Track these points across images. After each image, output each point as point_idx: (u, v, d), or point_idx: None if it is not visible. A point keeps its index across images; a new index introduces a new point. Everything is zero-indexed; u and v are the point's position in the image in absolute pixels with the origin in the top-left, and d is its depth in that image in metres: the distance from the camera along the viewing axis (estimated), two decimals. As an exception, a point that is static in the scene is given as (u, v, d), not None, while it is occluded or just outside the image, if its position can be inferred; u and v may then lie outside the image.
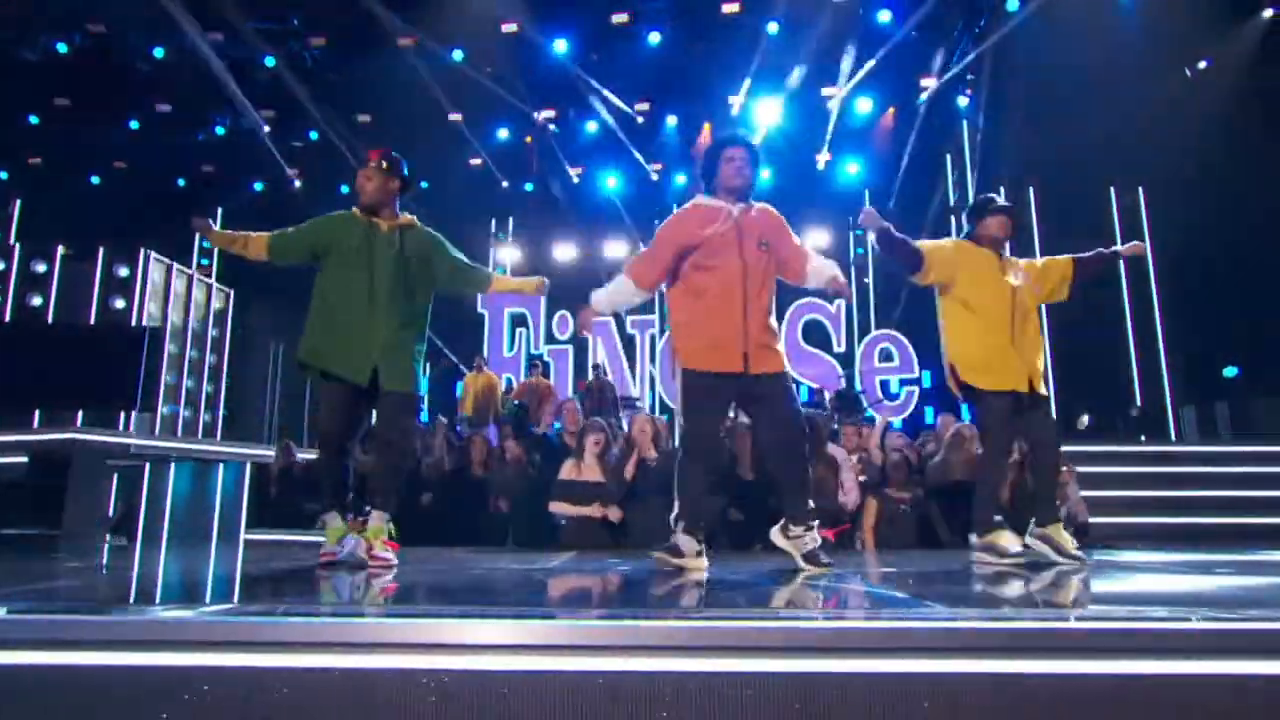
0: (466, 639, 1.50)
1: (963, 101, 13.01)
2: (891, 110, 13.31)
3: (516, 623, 1.56)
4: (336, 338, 3.27)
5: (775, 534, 3.21)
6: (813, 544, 3.12)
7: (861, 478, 4.98)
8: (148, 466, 6.11)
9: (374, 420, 3.56)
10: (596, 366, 10.77)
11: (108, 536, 5.94)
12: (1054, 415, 3.85)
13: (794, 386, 3.34)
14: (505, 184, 14.20)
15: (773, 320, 3.26)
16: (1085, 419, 9.90)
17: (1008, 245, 3.79)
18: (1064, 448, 6.85)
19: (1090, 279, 3.87)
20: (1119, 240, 10.71)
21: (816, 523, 3.18)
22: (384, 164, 3.42)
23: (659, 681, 1.43)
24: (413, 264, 3.39)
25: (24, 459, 5.46)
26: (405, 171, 3.50)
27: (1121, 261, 4.07)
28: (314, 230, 3.42)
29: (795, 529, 3.14)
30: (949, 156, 13.65)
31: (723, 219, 3.22)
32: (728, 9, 11.62)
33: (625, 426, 5.98)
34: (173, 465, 6.11)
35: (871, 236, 3.83)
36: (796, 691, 1.41)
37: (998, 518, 3.57)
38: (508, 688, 1.43)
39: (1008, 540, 3.46)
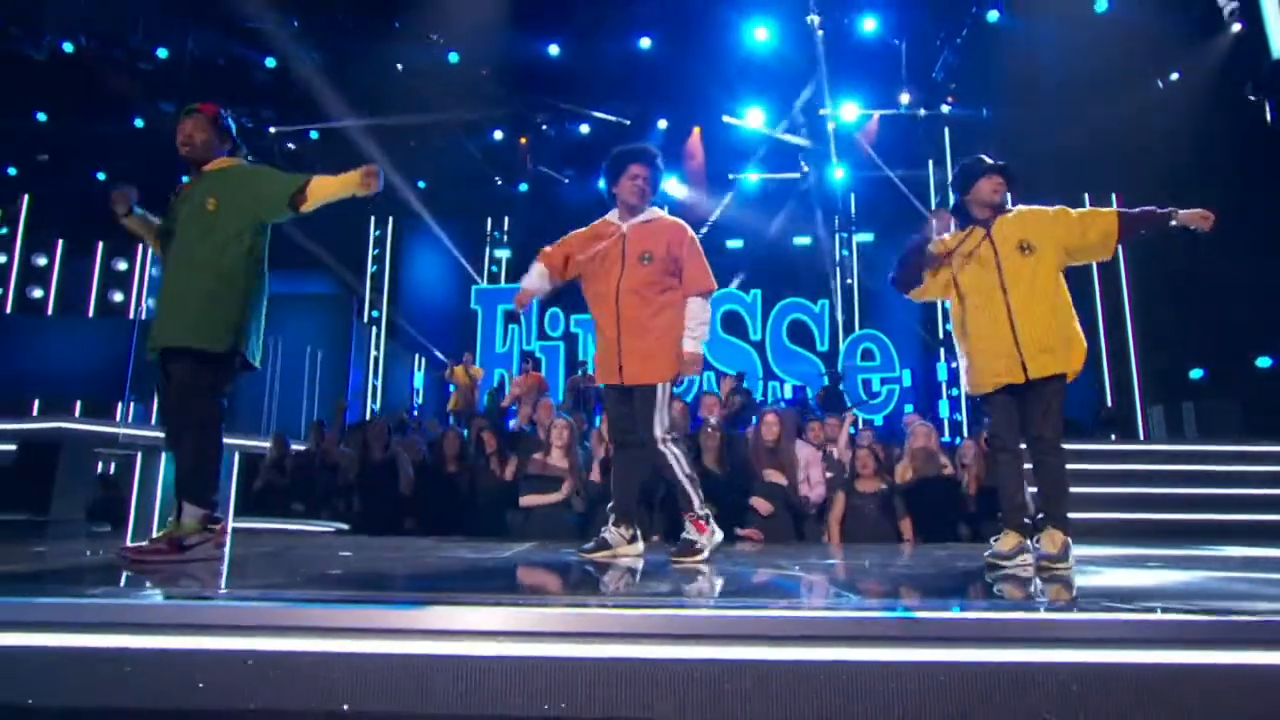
0: (390, 624, 1.49)
1: (945, 109, 12.98)
2: (876, 116, 13.29)
3: (427, 609, 1.55)
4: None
5: (610, 532, 3.22)
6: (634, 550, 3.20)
7: (829, 474, 4.94)
8: (139, 455, 6.06)
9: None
10: (582, 363, 10.75)
11: (106, 524, 5.90)
12: (1051, 403, 3.07)
13: (655, 400, 3.12)
14: (499, 181, 14.17)
15: (660, 327, 3.11)
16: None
17: (1008, 199, 3.24)
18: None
19: (1135, 238, 3.27)
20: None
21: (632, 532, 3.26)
22: (219, 120, 3.05)
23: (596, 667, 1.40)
24: (208, 208, 2.87)
25: (13, 447, 5.40)
26: (234, 133, 3.13)
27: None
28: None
29: (615, 529, 3.22)
30: (931, 162, 13.65)
31: (609, 235, 3.24)
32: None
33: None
34: (164, 455, 6.05)
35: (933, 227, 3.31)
36: (729, 675, 1.40)
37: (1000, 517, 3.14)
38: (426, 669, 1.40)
39: (1005, 543, 3.06)
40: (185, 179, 3.07)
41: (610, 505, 3.29)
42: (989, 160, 3.28)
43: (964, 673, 1.37)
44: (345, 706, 1.42)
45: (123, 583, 2.33)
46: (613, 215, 3.34)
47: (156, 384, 2.96)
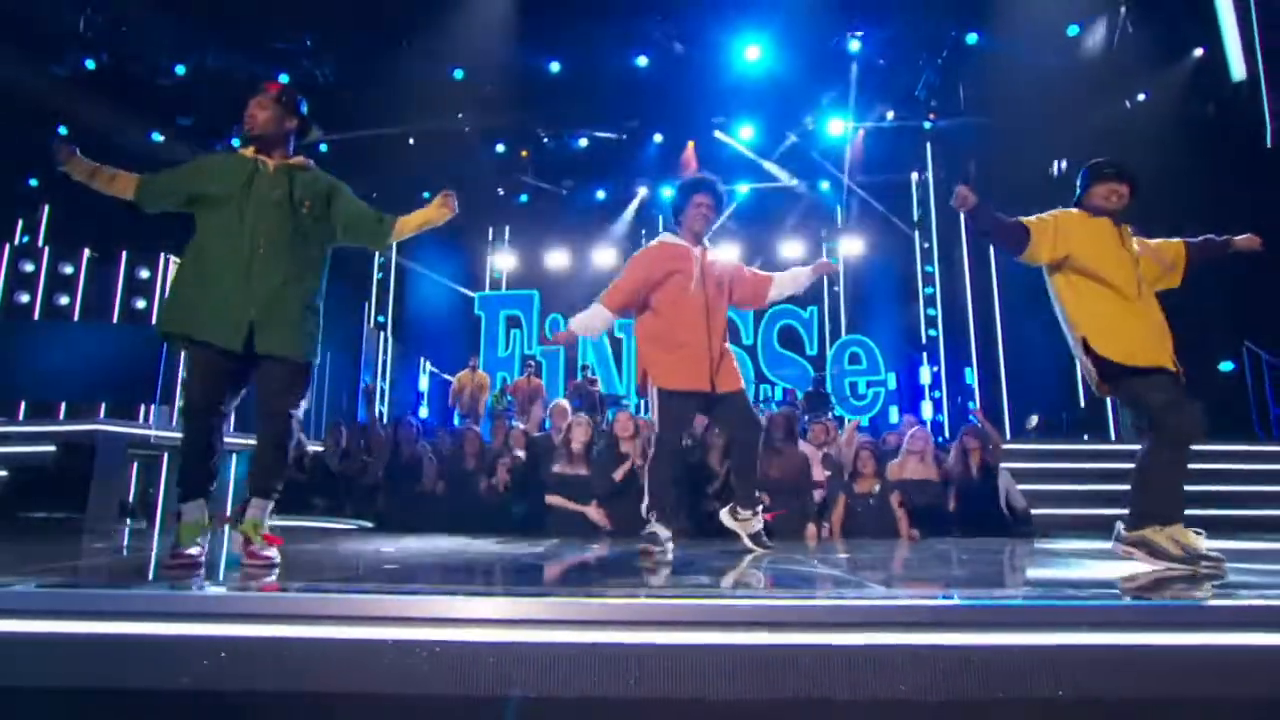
0: (460, 613, 1.58)
1: (926, 125, 13.16)
2: (861, 132, 13.45)
3: (504, 599, 1.65)
4: (207, 296, 2.63)
5: (724, 515, 3.41)
6: (758, 526, 3.33)
7: (826, 473, 5.06)
8: (166, 455, 6.12)
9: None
10: (585, 367, 10.84)
11: (128, 520, 5.95)
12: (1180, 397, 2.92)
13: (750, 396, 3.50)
14: (501, 192, 14.23)
15: (729, 346, 3.48)
16: (1034, 419, 10.02)
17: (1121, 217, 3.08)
18: (1014, 446, 7.02)
19: (1198, 267, 3.19)
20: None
21: (760, 508, 3.38)
22: (282, 97, 2.87)
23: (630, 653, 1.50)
24: (303, 209, 2.75)
25: (52, 448, 5.46)
26: (304, 112, 2.94)
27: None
28: (193, 169, 2.85)
29: (743, 512, 3.33)
30: (915, 175, 13.82)
31: (688, 259, 3.37)
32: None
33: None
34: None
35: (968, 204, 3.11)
36: (749, 660, 1.50)
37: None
38: (494, 657, 1.51)
39: (1192, 538, 2.77)
40: (246, 155, 2.84)
41: (648, 504, 3.33)
42: (1113, 165, 3.09)
43: (990, 654, 1.50)
44: (424, 690, 1.50)
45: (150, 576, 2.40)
46: (670, 238, 3.48)
47: (203, 374, 2.63)
